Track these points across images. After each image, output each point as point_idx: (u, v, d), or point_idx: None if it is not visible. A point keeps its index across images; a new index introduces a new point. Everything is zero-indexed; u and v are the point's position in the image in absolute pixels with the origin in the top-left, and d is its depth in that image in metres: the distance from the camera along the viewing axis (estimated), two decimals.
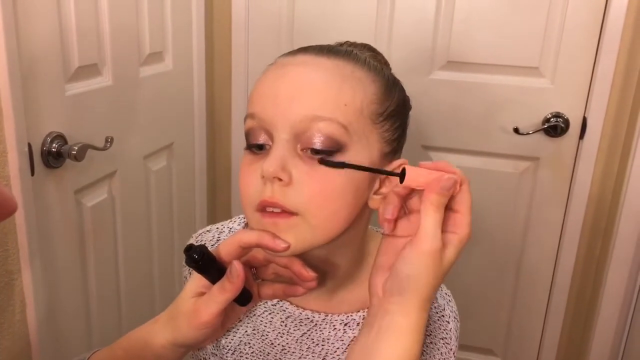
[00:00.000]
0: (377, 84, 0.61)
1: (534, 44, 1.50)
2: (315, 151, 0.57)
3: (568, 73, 1.50)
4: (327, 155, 0.57)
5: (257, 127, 0.59)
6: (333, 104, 0.57)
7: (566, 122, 1.52)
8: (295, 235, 0.57)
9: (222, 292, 0.59)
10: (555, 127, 1.52)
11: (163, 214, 1.54)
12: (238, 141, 1.75)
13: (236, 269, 0.58)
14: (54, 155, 1.05)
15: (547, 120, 1.53)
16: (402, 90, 0.65)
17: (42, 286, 1.06)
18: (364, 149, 0.59)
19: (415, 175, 0.55)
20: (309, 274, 0.61)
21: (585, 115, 1.51)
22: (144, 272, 1.48)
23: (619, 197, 1.48)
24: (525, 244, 1.66)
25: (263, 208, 0.57)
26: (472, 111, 1.58)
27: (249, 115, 0.60)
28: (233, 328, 0.71)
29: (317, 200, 0.57)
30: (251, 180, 0.58)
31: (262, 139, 0.59)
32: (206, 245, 0.69)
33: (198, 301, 0.60)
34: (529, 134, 1.52)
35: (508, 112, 1.55)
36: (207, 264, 0.59)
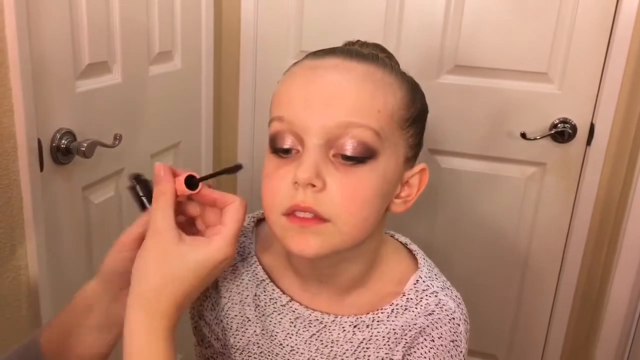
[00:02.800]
0: (404, 89, 0.61)
1: (542, 50, 1.50)
2: (346, 157, 0.57)
3: (576, 79, 1.49)
4: (359, 162, 0.57)
5: (285, 131, 0.58)
6: (367, 110, 0.57)
7: (574, 128, 1.51)
8: (323, 240, 0.57)
9: (146, 215, 0.62)
10: (562, 132, 1.51)
11: None
12: (245, 141, 1.75)
13: (158, 168, 0.61)
14: (63, 151, 1.06)
15: (555, 125, 1.52)
16: (423, 95, 0.65)
17: (48, 282, 1.06)
18: (392, 155, 0.60)
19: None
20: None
21: (593, 122, 1.50)
22: None
23: (625, 203, 1.48)
24: (530, 250, 1.65)
25: (292, 212, 0.57)
26: (480, 115, 1.57)
27: (277, 118, 0.59)
28: (242, 328, 0.71)
29: (350, 207, 0.57)
30: (279, 185, 0.58)
31: (289, 143, 0.58)
32: None
33: (123, 235, 0.64)
34: (536, 139, 1.52)
35: (515, 117, 1.55)
36: (142, 189, 0.63)
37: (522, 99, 1.54)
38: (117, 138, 1.17)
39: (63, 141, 1.06)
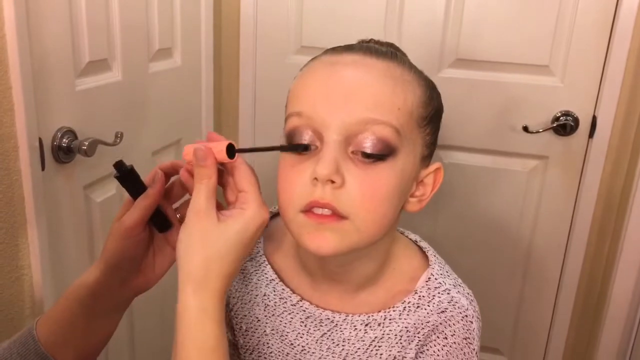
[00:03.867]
0: (422, 87, 0.61)
1: (544, 42, 1.49)
2: (366, 154, 0.56)
3: (578, 71, 1.49)
4: (378, 160, 0.56)
5: (304, 126, 0.58)
6: (387, 107, 0.57)
7: (576, 121, 1.51)
8: (341, 237, 0.56)
9: (144, 199, 0.64)
10: (564, 125, 1.51)
11: None
12: (245, 138, 1.75)
13: (157, 172, 0.65)
14: (64, 150, 1.05)
15: (557, 118, 1.52)
16: (439, 94, 0.65)
17: (52, 281, 1.06)
18: (410, 153, 0.59)
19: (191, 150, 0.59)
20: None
21: (595, 114, 1.50)
22: None
23: (628, 195, 1.48)
24: (533, 243, 1.65)
25: (310, 209, 0.56)
26: (481, 109, 1.57)
27: (295, 114, 0.59)
28: (252, 328, 0.71)
29: (368, 205, 0.56)
30: (297, 181, 0.57)
31: (307, 138, 0.57)
32: None
33: (120, 220, 0.65)
34: (538, 132, 1.52)
35: (517, 110, 1.55)
36: (129, 178, 0.65)
37: (524, 92, 1.53)
38: (118, 136, 1.16)
39: (64, 140, 1.05)
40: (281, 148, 0.58)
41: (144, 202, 0.64)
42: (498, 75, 1.54)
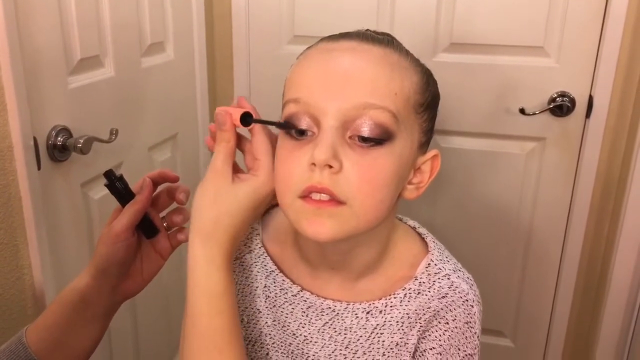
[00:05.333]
0: (419, 74, 0.61)
1: (538, 23, 1.48)
2: (363, 139, 0.56)
3: (573, 51, 1.48)
4: (376, 144, 0.57)
5: (301, 112, 0.58)
6: (384, 92, 0.57)
7: (572, 101, 1.50)
8: (340, 223, 0.56)
9: (132, 205, 0.69)
10: (561, 106, 1.50)
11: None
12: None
13: (145, 180, 0.71)
14: (59, 148, 1.05)
15: (553, 99, 1.51)
16: (435, 81, 0.65)
17: (52, 280, 1.06)
18: (407, 139, 0.59)
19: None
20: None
21: (592, 94, 1.49)
22: None
23: (627, 175, 1.48)
24: (533, 225, 1.65)
25: (308, 194, 0.56)
26: (477, 93, 1.56)
27: (292, 100, 0.59)
28: (253, 320, 0.71)
29: (366, 189, 0.56)
30: (294, 167, 0.57)
31: (305, 124, 0.58)
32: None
33: (111, 225, 0.70)
34: (535, 114, 1.51)
35: (513, 92, 1.54)
36: (118, 186, 0.70)
37: (519, 74, 1.52)
38: (113, 133, 1.16)
39: (59, 138, 1.04)
40: (294, 127, 0.59)
41: (132, 208, 0.70)
42: (493, 58, 1.53)
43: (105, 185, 0.71)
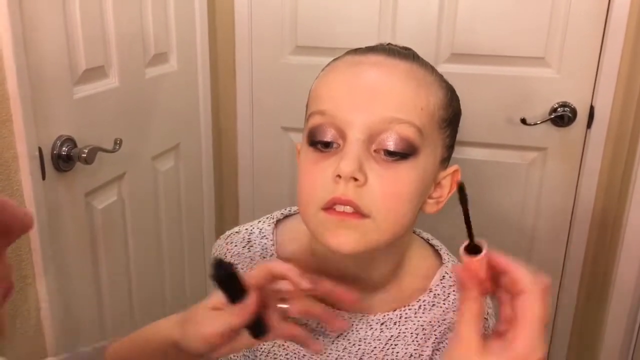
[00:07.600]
0: (443, 90, 0.62)
1: (539, 34, 1.49)
2: (389, 152, 0.56)
3: (574, 62, 1.49)
4: (401, 158, 0.56)
5: (327, 124, 0.58)
6: (411, 106, 0.57)
7: (573, 112, 1.51)
8: (362, 235, 0.56)
9: (231, 316, 0.56)
10: (562, 116, 1.51)
11: (172, 214, 1.54)
12: (244, 140, 1.75)
13: (250, 298, 0.55)
14: (64, 158, 1.06)
15: (554, 110, 1.52)
16: (458, 98, 0.66)
17: (56, 290, 1.06)
18: (431, 154, 0.60)
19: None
20: (350, 296, 0.58)
21: (593, 104, 1.50)
22: (155, 272, 1.48)
23: (628, 184, 1.48)
24: (535, 235, 1.65)
25: (331, 206, 0.56)
26: (478, 103, 1.57)
27: (318, 112, 0.59)
28: None
29: (390, 203, 0.56)
30: (318, 178, 0.57)
31: (330, 136, 0.58)
32: (237, 247, 0.68)
33: (211, 314, 0.58)
34: (537, 124, 1.52)
35: (515, 103, 1.55)
36: (230, 283, 0.56)
37: (521, 85, 1.53)
38: (118, 143, 1.16)
39: (64, 148, 1.05)
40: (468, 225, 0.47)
41: (230, 319, 0.56)
42: (494, 69, 1.54)
43: (211, 277, 0.56)
